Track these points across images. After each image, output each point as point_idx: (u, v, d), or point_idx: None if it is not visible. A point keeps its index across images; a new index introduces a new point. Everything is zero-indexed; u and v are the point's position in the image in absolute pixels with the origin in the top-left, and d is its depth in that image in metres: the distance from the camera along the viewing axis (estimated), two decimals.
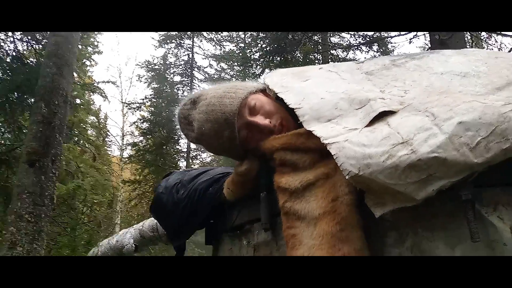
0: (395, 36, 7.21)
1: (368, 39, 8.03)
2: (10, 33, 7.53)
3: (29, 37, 7.76)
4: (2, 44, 7.61)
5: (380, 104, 0.76)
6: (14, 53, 7.70)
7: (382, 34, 8.33)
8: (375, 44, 8.31)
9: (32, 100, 6.17)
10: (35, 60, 7.95)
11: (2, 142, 8.59)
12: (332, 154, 0.70)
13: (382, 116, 0.74)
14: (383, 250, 0.71)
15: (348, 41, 9.44)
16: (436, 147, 0.62)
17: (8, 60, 7.67)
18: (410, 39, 6.66)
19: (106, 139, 17.55)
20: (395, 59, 1.02)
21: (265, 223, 0.87)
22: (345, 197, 0.72)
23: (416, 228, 0.69)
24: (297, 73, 1.01)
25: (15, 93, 7.36)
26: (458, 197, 0.64)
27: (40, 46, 7.68)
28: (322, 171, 0.77)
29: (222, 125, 0.93)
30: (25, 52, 8.16)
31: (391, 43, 9.07)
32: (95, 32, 13.41)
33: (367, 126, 0.74)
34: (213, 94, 0.98)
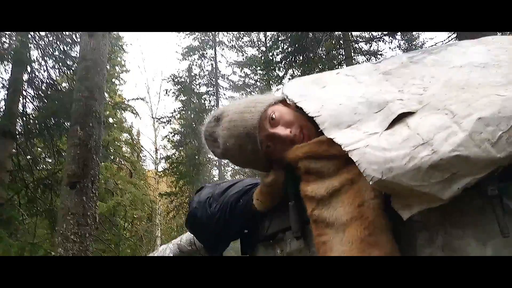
0: None
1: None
2: (43, 62, 7.92)
3: (60, 64, 8.12)
4: (37, 73, 8.01)
5: (399, 105, 0.77)
6: (48, 80, 8.09)
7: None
8: (398, 33, 8.12)
9: (68, 124, 6.46)
10: (67, 85, 8.32)
11: (44, 166, 9.04)
12: (354, 160, 0.71)
13: (401, 117, 0.74)
14: (414, 251, 0.71)
15: (370, 33, 9.30)
16: (457, 146, 0.62)
17: (43, 87, 8.07)
18: None
19: (141, 154, 18.07)
20: (412, 55, 1.02)
21: (296, 231, 0.88)
22: (371, 202, 0.73)
23: (446, 227, 0.69)
24: (315, 80, 1.02)
25: (52, 119, 7.71)
26: (485, 193, 0.63)
27: (71, 71, 8.02)
28: (346, 177, 0.78)
29: (245, 139, 0.96)
30: (58, 78, 8.54)
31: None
32: (122, 52, 13.83)
33: (387, 129, 0.74)
34: (234, 110, 1.01)
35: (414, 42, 9.66)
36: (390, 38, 8.12)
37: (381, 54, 9.08)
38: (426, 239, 0.70)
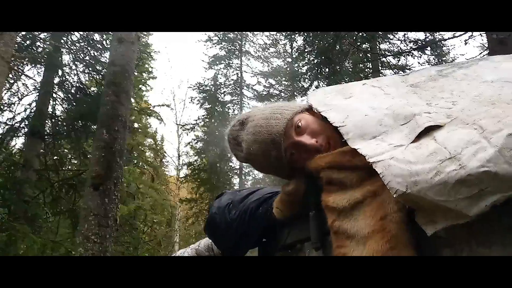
0: (448, 38, 6.87)
1: (420, 44, 7.72)
2: (73, 66, 8.18)
3: (90, 68, 8.37)
4: (67, 77, 8.28)
5: (426, 119, 0.75)
6: (77, 84, 8.34)
7: (434, 37, 7.99)
8: (428, 48, 7.96)
9: (95, 127, 6.64)
10: (96, 89, 8.56)
11: (69, 167, 9.29)
12: (378, 172, 0.70)
13: (428, 130, 0.73)
14: None
15: (399, 47, 9.18)
16: (485, 161, 0.60)
17: (73, 91, 8.33)
18: (465, 40, 6.28)
19: (163, 160, 18.32)
20: (441, 69, 1.00)
21: (315, 242, 0.87)
22: (394, 215, 0.71)
23: (472, 245, 0.67)
24: (340, 91, 1.01)
25: (80, 122, 7.93)
26: None
27: (100, 76, 8.25)
28: (369, 189, 0.77)
29: (269, 145, 0.96)
30: (87, 82, 8.80)
31: (445, 45, 8.65)
32: (150, 59, 14.12)
33: (413, 142, 0.73)
34: (260, 115, 1.01)
35: (444, 58, 9.47)
36: (419, 52, 7.96)
37: (409, 69, 8.94)
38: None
